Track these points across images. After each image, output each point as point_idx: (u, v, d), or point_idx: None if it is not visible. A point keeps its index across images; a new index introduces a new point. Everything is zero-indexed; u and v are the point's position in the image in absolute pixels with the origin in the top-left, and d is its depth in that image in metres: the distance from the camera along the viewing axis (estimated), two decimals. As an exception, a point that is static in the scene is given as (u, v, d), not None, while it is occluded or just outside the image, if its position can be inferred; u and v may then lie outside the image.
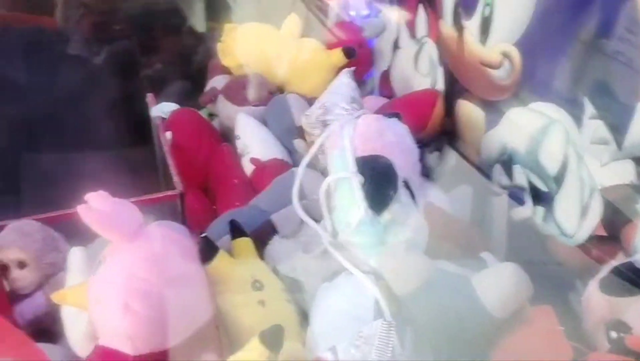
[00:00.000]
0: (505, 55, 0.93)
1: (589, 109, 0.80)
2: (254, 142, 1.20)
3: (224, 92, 1.33)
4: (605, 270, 0.73)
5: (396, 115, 0.96)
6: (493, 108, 1.00)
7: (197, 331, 0.73)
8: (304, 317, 0.84)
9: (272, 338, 0.61)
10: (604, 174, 0.80)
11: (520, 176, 0.96)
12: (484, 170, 1.06)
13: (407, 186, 0.87)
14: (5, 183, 1.85)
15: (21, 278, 0.93)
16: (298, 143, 1.18)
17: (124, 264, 0.69)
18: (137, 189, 1.14)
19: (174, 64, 1.91)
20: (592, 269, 0.80)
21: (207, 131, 1.31)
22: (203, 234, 0.79)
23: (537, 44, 0.87)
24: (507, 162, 0.99)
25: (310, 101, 1.20)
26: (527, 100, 0.91)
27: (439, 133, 1.18)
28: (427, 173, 1.26)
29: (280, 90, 1.36)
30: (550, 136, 0.87)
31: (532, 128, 0.90)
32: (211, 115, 1.43)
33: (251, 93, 1.28)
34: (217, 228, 0.96)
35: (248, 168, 1.19)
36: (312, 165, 1.07)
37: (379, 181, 0.83)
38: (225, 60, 1.42)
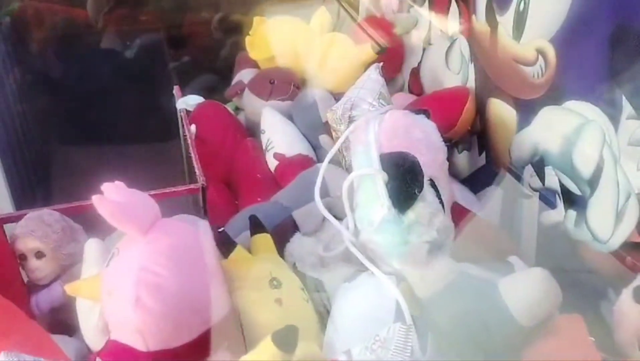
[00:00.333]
0: (540, 52, 0.89)
1: (627, 108, 0.75)
2: (278, 137, 1.18)
3: (250, 86, 1.31)
4: (638, 280, 0.69)
5: (424, 112, 0.93)
6: (526, 107, 0.96)
7: (213, 328, 0.72)
8: (324, 317, 0.82)
9: (285, 339, 0.58)
10: (642, 177, 0.75)
11: (552, 179, 0.92)
12: (515, 171, 1.02)
13: (433, 185, 0.84)
14: (37, 173, 1.88)
15: (39, 268, 0.93)
16: (323, 139, 1.16)
17: (136, 257, 0.67)
18: (163, 181, 1.13)
19: (202, 56, 1.91)
20: (625, 278, 0.76)
21: (232, 125, 1.30)
22: (221, 229, 0.77)
23: (574, 40, 0.83)
24: (539, 163, 0.95)
25: (337, 97, 1.18)
26: (561, 99, 0.87)
27: (469, 132, 1.14)
28: (455, 173, 1.23)
29: (308, 85, 1.34)
30: (585, 136, 0.83)
31: (566, 128, 0.86)
32: (237, 109, 1.42)
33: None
34: (238, 223, 0.95)
35: (272, 163, 1.17)
36: (337, 162, 1.05)
37: (403, 178, 0.80)
38: (253, 53, 1.40)
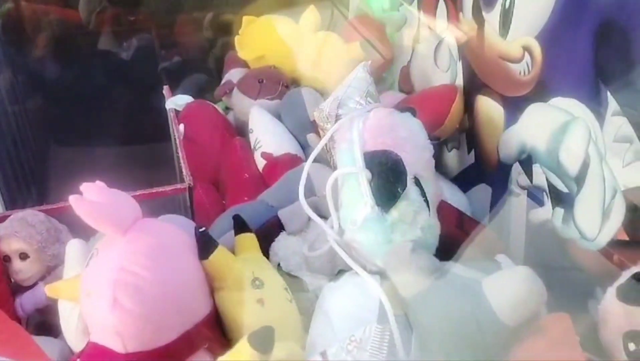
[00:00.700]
0: (526, 49, 0.89)
1: (612, 105, 0.75)
2: (266, 136, 1.18)
3: (239, 86, 1.30)
4: (623, 277, 0.68)
5: (410, 110, 0.92)
6: (513, 104, 0.95)
7: (193, 329, 0.71)
8: (308, 317, 0.81)
9: (262, 340, 0.58)
10: (627, 174, 0.75)
11: (540, 176, 0.91)
12: (503, 169, 1.01)
13: (418, 183, 0.83)
14: (28, 174, 1.87)
15: (23, 269, 0.92)
16: (311, 138, 1.16)
17: (115, 257, 0.66)
18: (155, 181, 1.13)
19: (193, 56, 1.90)
20: (613, 276, 0.75)
21: (221, 124, 1.29)
22: (202, 229, 0.76)
23: (559, 37, 0.82)
24: (527, 161, 0.94)
25: (326, 96, 1.17)
26: (547, 96, 0.86)
27: (457, 130, 1.14)
28: (445, 171, 1.23)
29: (297, 83, 1.34)
30: (571, 133, 0.82)
31: (552, 125, 0.85)
32: (227, 108, 1.41)
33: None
34: (223, 223, 0.94)
35: (260, 163, 1.16)
36: (324, 160, 1.04)
37: (386, 176, 0.79)
38: (242, 53, 1.40)
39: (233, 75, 1.39)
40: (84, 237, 0.88)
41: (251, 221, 0.89)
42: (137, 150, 1.83)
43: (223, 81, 1.41)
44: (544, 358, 0.69)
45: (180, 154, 1.16)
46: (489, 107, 1.02)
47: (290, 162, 1.11)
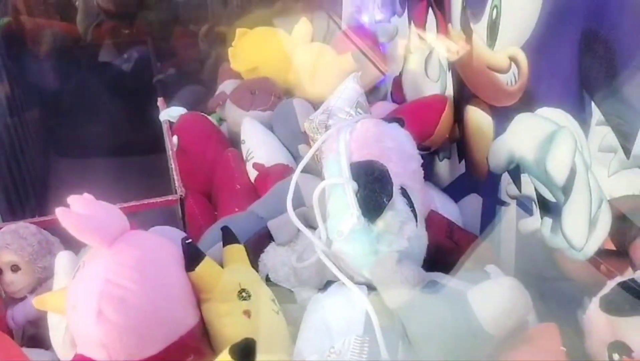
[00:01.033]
0: (513, 59, 0.89)
1: (597, 114, 0.75)
2: (258, 147, 1.18)
3: (232, 97, 1.31)
4: (607, 287, 0.68)
5: (398, 120, 0.92)
6: (501, 114, 0.96)
7: (178, 341, 0.71)
8: (296, 329, 0.81)
9: (243, 352, 0.58)
10: (612, 184, 0.75)
11: (528, 186, 0.92)
12: (493, 178, 1.01)
13: (405, 193, 0.84)
14: (26, 185, 1.88)
15: (14, 281, 0.93)
16: (302, 148, 1.16)
17: (100, 269, 0.67)
18: (150, 192, 1.14)
19: (188, 68, 1.91)
20: (601, 285, 0.75)
21: (214, 136, 1.29)
22: (188, 241, 0.76)
23: (544, 48, 0.82)
24: (515, 170, 0.94)
25: (318, 106, 1.17)
26: (534, 106, 0.86)
27: (448, 140, 1.14)
28: (437, 181, 1.23)
29: (290, 94, 1.34)
30: (557, 143, 0.83)
31: (539, 135, 0.86)
32: (221, 120, 1.42)
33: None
34: (213, 234, 0.94)
35: (252, 174, 1.17)
36: (315, 171, 1.04)
37: (372, 187, 0.79)
38: (235, 64, 1.41)
39: (226, 86, 1.40)
40: (76, 249, 0.88)
41: (241, 233, 0.90)
42: (134, 161, 1.84)
43: (217, 93, 1.42)
44: (529, 368, 0.69)
45: (173, 166, 1.16)
46: (478, 117, 1.03)
47: (282, 173, 1.11)
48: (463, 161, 1.12)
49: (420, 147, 1.07)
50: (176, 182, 1.11)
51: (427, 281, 0.77)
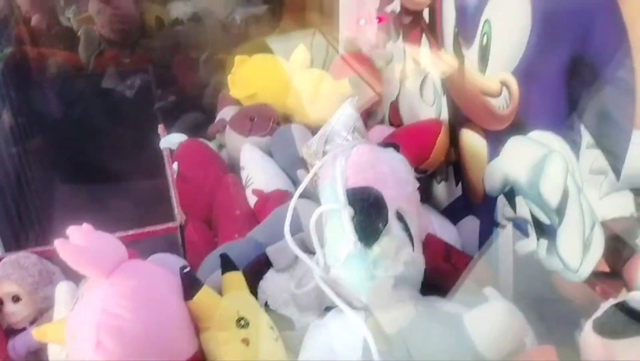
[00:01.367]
0: (504, 83, 0.90)
1: (586, 137, 0.76)
2: (257, 173, 1.19)
3: (231, 124, 1.33)
4: (601, 309, 0.69)
5: (393, 145, 0.94)
6: (494, 138, 0.97)
7: (177, 370, 0.72)
8: (295, 356, 0.82)
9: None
10: (604, 206, 0.76)
11: (523, 208, 0.92)
12: (489, 201, 1.02)
13: (401, 217, 0.85)
14: (29, 214, 1.90)
15: (15, 312, 0.94)
16: (301, 174, 1.17)
17: (98, 300, 0.68)
18: (151, 218, 1.15)
19: (189, 95, 1.94)
20: (597, 307, 0.76)
21: (214, 162, 1.31)
22: (186, 269, 0.77)
23: (533, 72, 0.84)
24: (510, 193, 0.95)
25: (316, 131, 1.19)
26: (526, 129, 0.88)
27: (445, 163, 1.15)
28: (436, 204, 1.24)
29: (288, 120, 1.36)
30: (549, 166, 0.84)
31: (532, 158, 0.87)
32: (221, 145, 1.44)
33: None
34: (212, 262, 0.95)
35: (252, 200, 1.18)
36: (314, 196, 1.05)
37: (368, 213, 0.80)
38: (234, 91, 1.43)
39: (226, 113, 1.42)
40: (77, 279, 0.89)
41: (240, 259, 0.91)
42: (135, 187, 1.86)
43: (216, 120, 1.44)
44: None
45: (172, 193, 1.18)
46: (472, 141, 1.04)
47: (281, 198, 1.12)
48: (460, 184, 1.13)
49: (418, 171, 1.08)
50: (176, 209, 1.12)
51: (424, 305, 0.78)
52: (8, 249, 1.51)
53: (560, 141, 0.81)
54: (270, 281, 0.93)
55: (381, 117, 1.45)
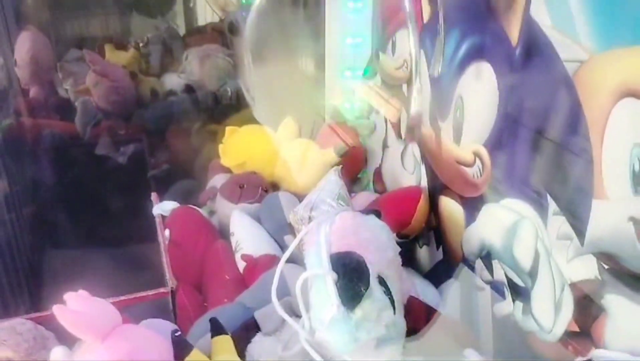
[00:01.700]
0: (476, 154, 0.97)
1: (552, 205, 0.82)
2: (246, 238, 1.24)
3: (221, 191, 1.38)
4: (569, 368, 0.73)
5: (374, 212, 0.99)
6: (470, 204, 1.03)
7: None
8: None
9: None
10: (571, 269, 0.81)
11: (499, 271, 0.97)
12: (468, 264, 1.07)
13: (383, 281, 0.89)
14: (23, 279, 1.92)
15: (9, 377, 0.96)
16: (288, 239, 1.22)
17: (92, 363, 0.71)
18: (142, 283, 1.18)
19: (180, 164, 2.00)
20: (573, 367, 0.80)
21: (204, 229, 1.35)
22: (177, 333, 0.80)
23: (502, 145, 0.91)
24: (487, 257, 1.00)
25: (303, 199, 1.24)
26: (498, 197, 0.94)
27: (426, 228, 1.20)
28: (418, 267, 1.28)
29: (276, 188, 1.42)
30: (521, 232, 0.89)
31: (505, 224, 0.92)
32: (212, 212, 1.48)
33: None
34: (202, 326, 0.98)
35: (241, 265, 1.22)
36: (301, 260, 1.10)
37: (350, 277, 0.84)
38: (225, 160, 1.49)
39: (217, 181, 1.48)
40: (70, 343, 0.92)
41: (229, 323, 0.94)
42: (127, 253, 1.89)
43: (207, 187, 1.50)
44: None
45: (164, 259, 1.22)
46: (450, 207, 1.10)
47: (269, 263, 1.16)
48: (441, 248, 1.18)
49: (400, 236, 1.13)
50: (167, 274, 1.16)
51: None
52: (2, 311, 1.53)
53: (529, 209, 0.87)
54: (258, 344, 0.96)
55: (365, 184, 1.51)
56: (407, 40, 1.19)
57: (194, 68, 2.16)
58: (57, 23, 2.39)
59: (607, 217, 0.74)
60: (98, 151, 2.13)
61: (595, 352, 0.73)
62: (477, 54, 0.95)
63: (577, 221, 0.78)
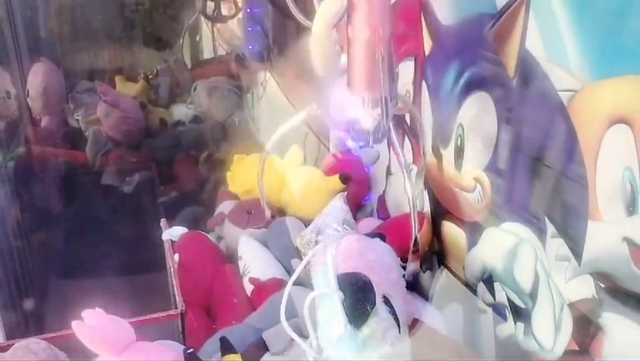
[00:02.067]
0: (477, 180, 1.01)
1: (550, 228, 0.85)
2: (254, 262, 1.27)
3: (230, 217, 1.42)
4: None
5: (379, 235, 1.03)
6: (472, 229, 1.06)
7: None
8: None
9: None
10: (569, 290, 0.84)
11: (501, 293, 1.00)
12: (472, 288, 1.10)
13: (387, 302, 0.92)
14: (32, 305, 1.94)
15: (23, 395, 0.98)
16: (295, 263, 1.25)
17: (108, 378, 0.74)
18: (151, 308, 1.21)
19: (189, 191, 2.04)
20: (573, 385, 0.82)
21: (213, 253, 1.39)
22: (189, 351, 0.83)
23: (501, 171, 0.95)
24: (489, 280, 1.03)
25: (309, 224, 1.28)
26: (498, 221, 0.97)
27: (429, 252, 1.24)
28: (422, 291, 1.31)
29: (283, 213, 1.45)
30: (520, 254, 0.92)
31: (505, 247, 0.96)
32: (220, 237, 1.52)
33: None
34: (211, 346, 1.01)
35: (249, 288, 1.25)
36: (307, 283, 1.13)
37: (357, 296, 0.87)
38: (233, 187, 1.53)
39: (225, 207, 1.52)
40: (80, 363, 0.95)
41: (238, 344, 0.97)
42: (136, 279, 1.92)
43: (216, 213, 1.53)
44: None
45: (173, 282, 1.25)
46: (453, 232, 1.13)
47: (276, 286, 1.20)
48: (444, 272, 1.21)
49: (403, 260, 1.16)
50: (177, 297, 1.19)
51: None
52: (10, 337, 1.55)
53: (528, 232, 0.91)
54: (266, 364, 0.98)
55: (370, 211, 1.54)
56: (409, 72, 1.25)
57: (202, 99, 2.22)
58: (68, 55, 2.47)
59: (602, 238, 0.77)
60: (104, 182, 2.17)
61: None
62: (476, 84, 1.00)
63: (574, 242, 0.81)
